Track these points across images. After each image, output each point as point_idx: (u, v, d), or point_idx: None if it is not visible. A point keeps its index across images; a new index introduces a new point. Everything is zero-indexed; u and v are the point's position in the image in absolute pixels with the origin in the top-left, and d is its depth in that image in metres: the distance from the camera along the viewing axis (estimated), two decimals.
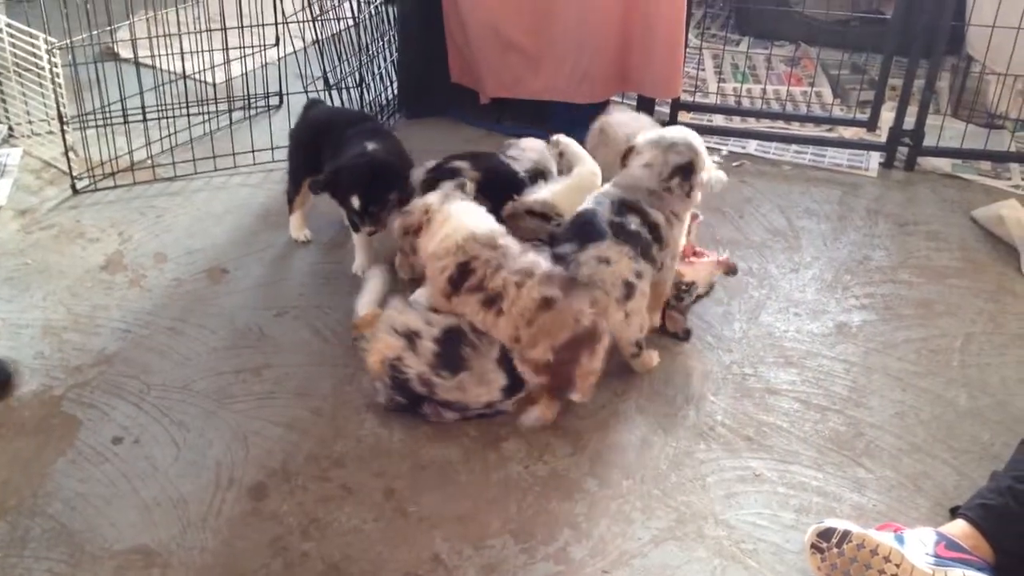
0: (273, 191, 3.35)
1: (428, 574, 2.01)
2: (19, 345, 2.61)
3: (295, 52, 3.75)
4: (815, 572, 1.92)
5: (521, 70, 3.54)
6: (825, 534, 1.90)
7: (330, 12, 3.55)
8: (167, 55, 3.50)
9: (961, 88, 3.89)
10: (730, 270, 2.72)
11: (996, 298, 2.91)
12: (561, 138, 2.86)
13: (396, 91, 3.88)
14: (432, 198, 2.51)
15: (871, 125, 3.72)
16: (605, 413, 2.44)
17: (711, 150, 3.64)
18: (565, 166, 2.87)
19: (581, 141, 3.07)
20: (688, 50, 3.70)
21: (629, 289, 2.41)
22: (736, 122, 3.89)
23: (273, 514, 2.13)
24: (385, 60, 3.84)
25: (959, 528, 1.97)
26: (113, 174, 3.37)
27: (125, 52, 3.80)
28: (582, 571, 2.03)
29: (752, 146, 3.75)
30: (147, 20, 3.51)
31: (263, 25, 3.63)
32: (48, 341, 2.63)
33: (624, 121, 3.14)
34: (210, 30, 3.56)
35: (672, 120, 3.70)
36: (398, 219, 2.55)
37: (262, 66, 3.84)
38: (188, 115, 3.64)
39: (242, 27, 3.59)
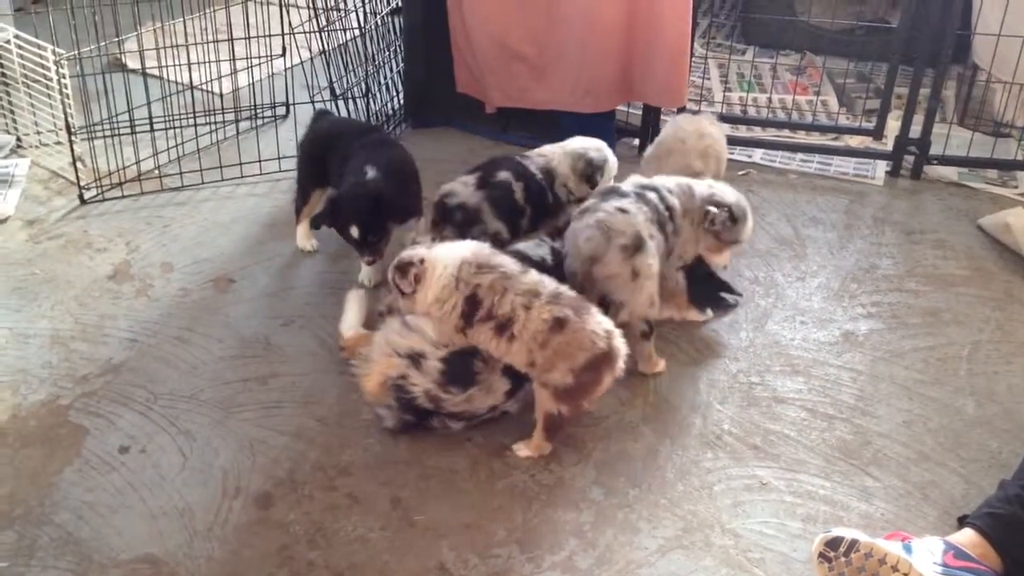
0: (279, 201, 3.36)
1: None
2: (27, 354, 2.62)
3: (302, 63, 3.77)
4: None
5: (526, 80, 3.55)
6: (832, 543, 1.90)
7: (337, 23, 3.57)
8: (174, 66, 3.52)
9: (967, 96, 3.89)
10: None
11: (1003, 306, 2.90)
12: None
13: (402, 101, 3.90)
14: (422, 251, 2.38)
15: (877, 134, 3.72)
16: (611, 422, 2.44)
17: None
18: None
19: None
20: (694, 60, 3.71)
21: (639, 243, 2.44)
22: (742, 131, 3.88)
23: (279, 523, 2.13)
24: (391, 70, 3.85)
25: (967, 537, 1.96)
26: (120, 184, 3.38)
27: (133, 63, 3.83)
28: None
29: (758, 155, 3.75)
30: (154, 31, 3.53)
31: (270, 36, 3.65)
32: (55, 350, 2.64)
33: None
34: (217, 41, 3.57)
35: None
36: (395, 273, 2.38)
37: (269, 76, 3.85)
38: (195, 125, 3.66)
39: (249, 38, 3.61)
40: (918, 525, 2.14)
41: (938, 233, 3.27)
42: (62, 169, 3.47)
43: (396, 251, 2.48)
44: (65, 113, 3.24)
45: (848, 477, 2.29)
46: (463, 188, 2.80)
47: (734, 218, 2.62)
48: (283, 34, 3.68)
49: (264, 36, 3.63)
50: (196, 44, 3.55)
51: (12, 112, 3.63)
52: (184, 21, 3.65)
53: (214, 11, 3.77)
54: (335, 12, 3.57)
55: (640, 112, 3.73)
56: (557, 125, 3.59)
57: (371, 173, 2.75)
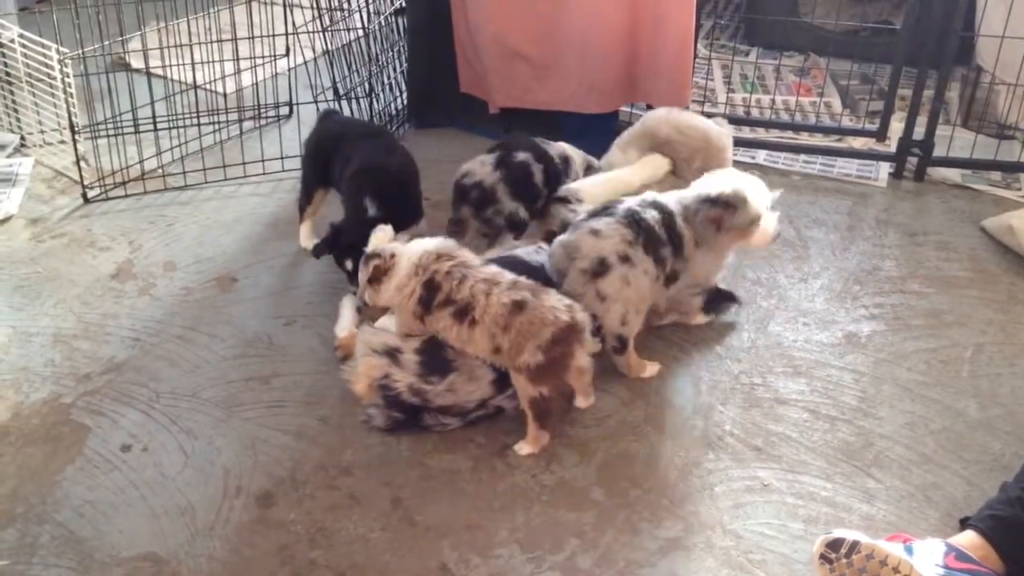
0: (283, 200, 3.37)
1: None
2: (30, 353, 2.62)
3: (305, 62, 3.77)
4: None
5: (529, 80, 3.55)
6: (834, 544, 1.89)
7: (340, 23, 3.57)
8: (178, 65, 3.53)
9: (971, 98, 3.89)
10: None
11: (1006, 308, 2.90)
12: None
13: (406, 101, 3.90)
14: (396, 246, 2.43)
15: (880, 135, 3.72)
16: (612, 423, 2.44)
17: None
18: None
19: (590, 150, 3.09)
20: (697, 61, 3.71)
21: (601, 267, 2.40)
22: (745, 132, 3.88)
23: (281, 522, 2.13)
24: (395, 70, 3.86)
25: (968, 539, 1.95)
26: (124, 183, 3.39)
27: (136, 62, 3.83)
28: None
29: (761, 156, 3.75)
30: (158, 31, 3.54)
31: (273, 36, 3.65)
32: (58, 349, 2.64)
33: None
34: (221, 40, 3.58)
35: None
36: (365, 265, 2.42)
37: (272, 76, 3.86)
38: (199, 125, 3.66)
39: (252, 38, 3.61)
40: (920, 527, 2.14)
41: (941, 235, 3.27)
42: (66, 168, 3.47)
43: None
44: (69, 112, 3.25)
45: (850, 479, 2.29)
46: (480, 167, 2.84)
47: (728, 204, 2.49)
48: (287, 34, 3.69)
49: (268, 36, 3.64)
50: (200, 44, 3.55)
51: (16, 111, 3.64)
52: (188, 21, 3.65)
53: (218, 11, 3.77)
54: (339, 12, 3.57)
55: (643, 113, 3.72)
56: (560, 126, 3.60)
57: (371, 209, 2.72)
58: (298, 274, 2.99)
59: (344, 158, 2.86)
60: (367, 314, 2.49)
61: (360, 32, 3.57)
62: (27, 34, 3.38)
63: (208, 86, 3.66)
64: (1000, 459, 2.33)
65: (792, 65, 4.42)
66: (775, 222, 2.57)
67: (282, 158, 3.52)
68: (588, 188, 2.84)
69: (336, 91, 3.58)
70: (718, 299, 2.81)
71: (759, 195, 2.55)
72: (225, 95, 3.76)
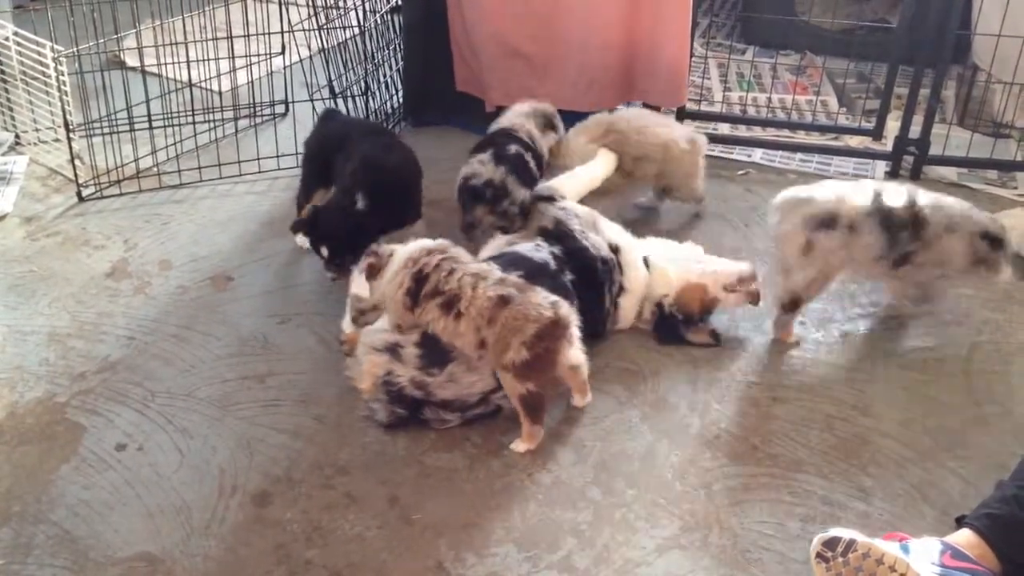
0: (278, 199, 3.36)
1: None
2: (24, 352, 2.61)
3: (301, 61, 3.77)
4: None
5: (526, 78, 3.55)
6: (830, 543, 1.89)
7: (336, 21, 3.56)
8: (173, 63, 3.52)
9: (967, 97, 3.89)
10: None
11: (1002, 308, 2.90)
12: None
13: (401, 99, 3.89)
14: (394, 246, 2.47)
15: (877, 134, 3.72)
16: (609, 422, 2.44)
17: (718, 159, 3.66)
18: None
19: None
20: (693, 59, 3.71)
21: (830, 223, 2.53)
22: (741, 131, 3.89)
23: (277, 521, 2.13)
24: (391, 68, 3.85)
25: (964, 538, 1.95)
26: (119, 182, 3.38)
27: (131, 60, 3.82)
28: None
29: (757, 155, 3.75)
30: (153, 29, 3.53)
31: (269, 34, 3.64)
32: (53, 348, 2.63)
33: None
34: (216, 39, 3.57)
35: None
36: (363, 263, 2.48)
37: (268, 74, 3.85)
38: (194, 123, 3.65)
39: (248, 36, 3.61)
40: (916, 525, 2.14)
41: None
42: (60, 166, 3.46)
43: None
44: (64, 110, 3.24)
45: (846, 477, 2.29)
46: (483, 167, 2.86)
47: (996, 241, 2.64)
48: (282, 32, 3.68)
49: (263, 34, 3.63)
50: (195, 42, 3.54)
51: (11, 109, 3.63)
52: (183, 19, 3.65)
53: (213, 9, 3.77)
54: (334, 10, 3.57)
55: None
56: None
57: (360, 203, 2.72)
58: (294, 273, 2.99)
59: (346, 157, 2.86)
60: (359, 323, 2.51)
61: (356, 30, 3.56)
62: (22, 32, 3.37)
63: (203, 84, 3.65)
64: (996, 457, 2.33)
65: (788, 64, 4.42)
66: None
67: (277, 156, 3.52)
68: (566, 185, 2.87)
69: (332, 89, 3.57)
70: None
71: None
72: (220, 93, 3.75)
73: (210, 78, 3.64)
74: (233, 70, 3.68)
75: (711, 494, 2.23)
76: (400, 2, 3.83)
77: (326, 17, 3.51)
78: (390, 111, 3.83)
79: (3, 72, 3.58)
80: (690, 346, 2.70)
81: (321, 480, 2.24)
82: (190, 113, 3.65)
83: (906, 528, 2.10)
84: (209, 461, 2.28)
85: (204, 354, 2.63)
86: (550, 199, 2.76)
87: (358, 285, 2.50)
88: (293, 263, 3.03)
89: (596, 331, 2.62)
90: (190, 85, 3.61)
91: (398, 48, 3.87)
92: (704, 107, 3.94)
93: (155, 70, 3.62)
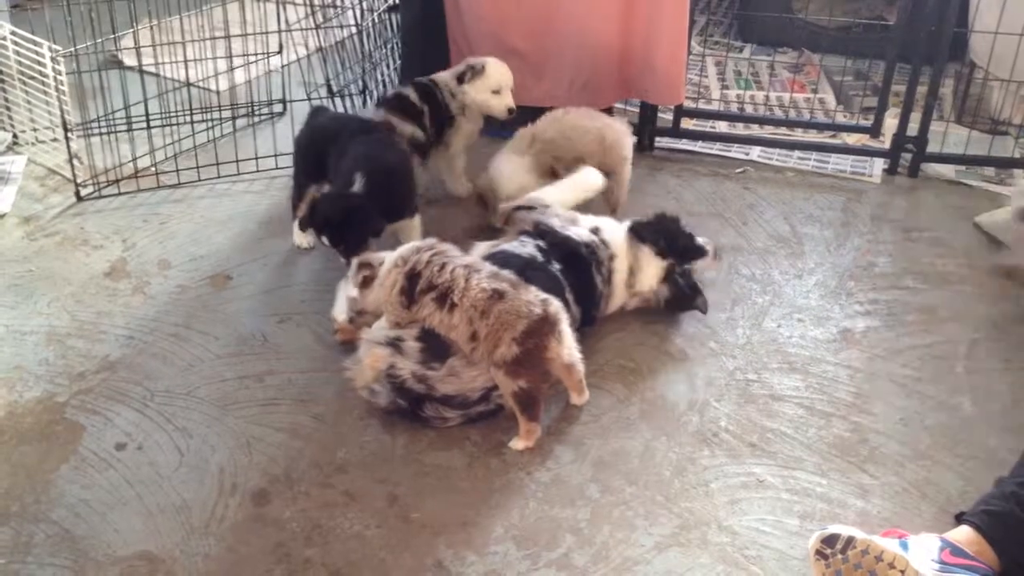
0: (276, 198, 3.36)
1: None
2: (23, 351, 2.61)
3: (298, 60, 3.77)
4: None
5: (523, 76, 3.54)
6: (829, 540, 1.90)
7: (333, 20, 3.56)
8: (171, 63, 3.51)
9: (965, 94, 3.89)
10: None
11: (1000, 304, 2.90)
12: None
13: None
14: (384, 254, 2.49)
15: (874, 131, 3.72)
16: (608, 419, 2.44)
17: (716, 157, 3.67)
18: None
19: None
20: (691, 57, 3.70)
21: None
22: (739, 128, 3.89)
23: (276, 520, 2.13)
24: (388, 67, 3.85)
25: (964, 534, 1.96)
26: (117, 181, 3.38)
27: (129, 60, 3.82)
28: None
29: (755, 152, 3.75)
30: (151, 28, 3.53)
31: (266, 33, 3.64)
32: (52, 348, 2.63)
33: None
34: (214, 38, 3.57)
35: (675, 126, 3.70)
36: (355, 270, 2.49)
37: (265, 73, 3.85)
38: (192, 122, 3.65)
39: (246, 35, 3.60)
40: (915, 522, 2.14)
41: (935, 231, 3.27)
42: (58, 166, 3.46)
43: (394, 246, 2.51)
44: (61, 110, 3.23)
45: (845, 474, 2.29)
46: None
47: None
48: (280, 31, 3.68)
49: (261, 33, 3.63)
50: (193, 41, 3.54)
51: (8, 109, 3.62)
52: (181, 18, 3.64)
53: (211, 8, 3.77)
54: (332, 9, 3.57)
55: (638, 110, 3.73)
56: None
57: (358, 184, 2.72)
58: (292, 272, 2.99)
59: (340, 152, 2.85)
60: (358, 324, 2.51)
61: (353, 29, 3.56)
62: (19, 31, 3.36)
63: (201, 83, 3.64)
64: (995, 454, 2.34)
65: (786, 61, 4.42)
66: None
67: (275, 155, 3.51)
68: (552, 196, 2.87)
69: (329, 88, 3.57)
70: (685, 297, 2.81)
71: None
72: (218, 92, 3.75)
73: (208, 77, 3.63)
74: (231, 69, 3.67)
75: (710, 492, 2.23)
76: (397, 1, 3.83)
77: (323, 16, 3.51)
78: None
79: (1, 72, 3.57)
80: (687, 342, 2.70)
81: (320, 479, 2.24)
82: (188, 112, 3.64)
83: (905, 525, 2.10)
84: (208, 460, 2.28)
85: (203, 353, 2.63)
86: (529, 208, 2.78)
87: (350, 291, 2.51)
88: (292, 262, 3.03)
89: (591, 316, 2.64)
90: (188, 84, 3.60)
91: (396, 47, 3.87)
92: (702, 105, 3.94)
93: (153, 69, 3.61)
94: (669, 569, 2.04)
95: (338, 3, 3.61)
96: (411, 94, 3.19)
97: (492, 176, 3.13)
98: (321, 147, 2.95)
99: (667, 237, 2.77)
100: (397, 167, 2.87)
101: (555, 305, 2.31)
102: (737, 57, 4.46)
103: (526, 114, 3.66)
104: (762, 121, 3.90)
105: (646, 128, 3.70)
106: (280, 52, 3.86)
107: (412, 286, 2.34)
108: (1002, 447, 2.36)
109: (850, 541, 1.88)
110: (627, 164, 3.16)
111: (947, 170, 3.61)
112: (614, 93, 3.60)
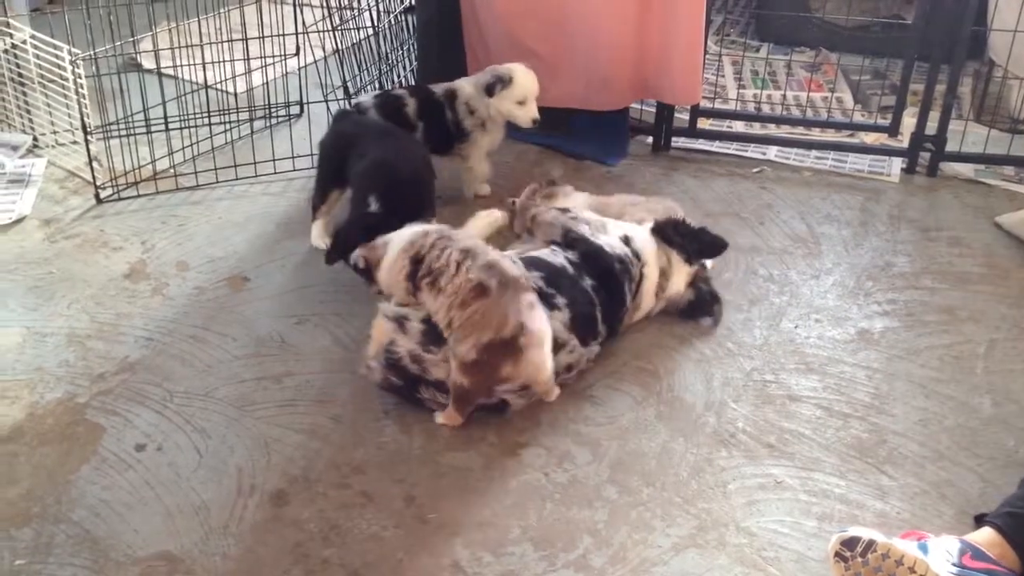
0: (294, 199, 3.37)
1: None
2: (44, 353, 2.63)
3: (315, 62, 3.78)
4: None
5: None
6: (849, 543, 1.89)
7: (350, 21, 3.57)
8: (189, 65, 3.53)
9: (983, 93, 3.87)
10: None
11: (1020, 304, 2.88)
12: None
13: None
14: (388, 236, 2.52)
15: (892, 130, 3.70)
16: (625, 420, 2.44)
17: (732, 157, 3.66)
18: None
19: (600, 148, 3.08)
20: (707, 57, 3.70)
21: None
22: (756, 128, 3.88)
23: (294, 521, 2.14)
24: (405, 69, 3.86)
25: (985, 536, 1.95)
26: (136, 183, 3.40)
27: (148, 63, 3.84)
28: None
29: (772, 152, 3.74)
30: (169, 31, 3.55)
31: (284, 35, 3.65)
32: (72, 349, 2.65)
33: None
34: (231, 40, 3.58)
35: (692, 126, 3.69)
36: (361, 252, 2.55)
37: (283, 76, 3.86)
38: (210, 124, 3.67)
39: (263, 37, 3.62)
40: (934, 524, 2.13)
41: (954, 230, 3.25)
42: (78, 169, 3.48)
43: None
44: (81, 113, 3.26)
45: (863, 476, 2.28)
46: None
47: None
48: (297, 33, 3.69)
49: (278, 35, 3.64)
50: (210, 44, 3.56)
51: (29, 112, 3.65)
52: (199, 21, 3.66)
53: (228, 11, 3.78)
54: (348, 11, 3.58)
55: (654, 110, 3.72)
56: (570, 123, 3.60)
57: (373, 204, 2.73)
58: (309, 273, 3.00)
59: (360, 156, 2.86)
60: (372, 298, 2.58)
61: (370, 31, 3.57)
62: (39, 35, 3.39)
63: (219, 86, 3.66)
64: (1014, 455, 2.32)
65: (803, 61, 4.41)
66: None
67: (293, 157, 3.53)
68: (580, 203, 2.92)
69: (346, 90, 3.58)
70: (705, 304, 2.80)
71: None
72: (236, 95, 3.77)
73: (226, 80, 3.65)
74: (248, 71, 3.69)
75: (727, 493, 2.23)
76: (414, 2, 3.84)
77: (340, 18, 3.52)
78: None
79: (21, 75, 3.61)
80: (705, 343, 2.69)
81: (338, 479, 2.25)
82: (206, 115, 3.66)
83: (924, 527, 2.09)
84: (227, 461, 2.30)
85: (221, 354, 2.64)
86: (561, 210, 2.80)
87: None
88: (309, 263, 3.04)
89: (614, 332, 2.63)
90: (206, 87, 3.63)
91: (412, 48, 3.88)
92: (718, 105, 3.93)
93: (171, 72, 3.63)
94: (687, 570, 2.04)
95: (355, 5, 3.62)
96: (409, 104, 3.18)
97: None
98: (343, 152, 2.96)
99: (686, 237, 2.76)
100: (412, 176, 2.85)
101: (533, 333, 2.27)
102: (754, 56, 4.44)
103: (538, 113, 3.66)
104: (779, 121, 3.88)
105: (663, 128, 3.70)
106: (297, 54, 3.87)
107: (415, 270, 2.38)
108: (1022, 448, 2.34)
109: (870, 544, 1.87)
110: None
111: (966, 169, 3.59)
112: (631, 93, 3.59)
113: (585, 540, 2.11)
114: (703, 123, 3.78)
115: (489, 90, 3.15)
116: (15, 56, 3.59)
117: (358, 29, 3.59)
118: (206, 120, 3.67)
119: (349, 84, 3.58)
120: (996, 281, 2.99)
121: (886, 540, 1.88)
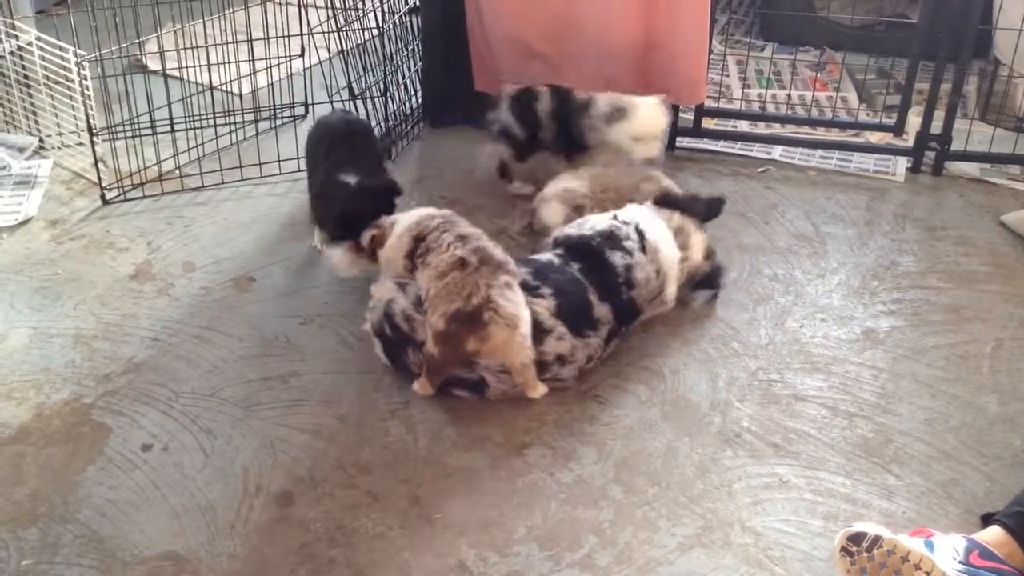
0: (299, 200, 3.38)
1: None
2: (50, 354, 2.64)
3: (320, 62, 3.78)
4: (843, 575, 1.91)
5: (544, 78, 3.54)
6: (856, 538, 1.89)
7: (355, 23, 3.58)
8: (194, 67, 3.54)
9: (989, 92, 3.86)
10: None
11: None
12: None
13: (420, 100, 3.90)
14: (396, 216, 2.66)
15: (898, 130, 3.70)
16: (630, 420, 2.44)
17: (737, 156, 3.66)
18: None
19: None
20: (712, 56, 3.70)
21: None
22: (761, 128, 3.87)
23: (300, 521, 2.14)
24: (410, 69, 3.86)
25: (993, 535, 1.94)
26: (142, 185, 3.41)
27: (153, 64, 3.85)
28: None
29: (777, 151, 3.73)
30: (175, 32, 3.55)
31: (288, 36, 3.66)
32: (79, 350, 2.66)
33: None
34: (236, 42, 3.59)
35: (696, 126, 3.69)
36: (366, 234, 2.66)
37: (288, 77, 3.87)
38: (215, 126, 3.68)
39: (268, 38, 3.63)
40: (940, 523, 2.13)
41: (960, 229, 3.25)
42: (84, 170, 3.49)
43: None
44: (87, 114, 3.27)
45: (869, 475, 2.28)
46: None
47: None
48: (302, 34, 3.70)
49: (283, 36, 3.65)
50: (216, 45, 3.57)
51: (34, 113, 3.67)
52: (204, 22, 3.67)
53: (233, 12, 3.79)
54: (353, 12, 3.58)
55: None
56: None
57: (325, 165, 2.91)
58: (315, 273, 3.00)
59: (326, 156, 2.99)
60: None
61: (375, 32, 3.57)
62: (44, 37, 3.40)
63: (224, 87, 3.67)
64: (1021, 454, 2.32)
65: (808, 60, 4.40)
66: None
67: (298, 158, 3.52)
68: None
69: (351, 91, 3.58)
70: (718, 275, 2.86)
71: None
72: (241, 96, 3.77)
73: (231, 81, 3.66)
74: (253, 73, 3.70)
75: (733, 492, 2.23)
76: (418, 3, 3.84)
77: (345, 19, 3.52)
78: (409, 112, 3.84)
79: (27, 77, 3.62)
80: (710, 343, 2.69)
81: (343, 480, 2.25)
82: (211, 116, 3.67)
83: (930, 527, 2.08)
84: (233, 461, 2.30)
85: (227, 355, 2.65)
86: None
87: (339, 258, 2.71)
88: (314, 264, 3.05)
89: (629, 309, 2.60)
90: (211, 88, 3.63)
91: (417, 49, 3.88)
92: (723, 104, 3.93)
93: (176, 73, 3.64)
94: (692, 570, 2.04)
95: (359, 6, 3.62)
96: (542, 101, 3.23)
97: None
98: (315, 152, 3.08)
99: (687, 199, 2.84)
100: (349, 127, 3.05)
101: (498, 313, 2.29)
102: (759, 56, 4.44)
103: None
104: (784, 120, 3.88)
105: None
106: (302, 55, 3.88)
107: (414, 248, 2.47)
108: None
109: (877, 540, 1.87)
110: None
111: (971, 168, 3.58)
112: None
113: (590, 540, 2.11)
114: (708, 123, 3.78)
115: (607, 117, 3.11)
116: (21, 58, 3.60)
117: (363, 30, 3.59)
118: (211, 121, 3.67)
119: (354, 85, 3.58)
120: (1002, 280, 2.98)
121: (892, 536, 1.88)
